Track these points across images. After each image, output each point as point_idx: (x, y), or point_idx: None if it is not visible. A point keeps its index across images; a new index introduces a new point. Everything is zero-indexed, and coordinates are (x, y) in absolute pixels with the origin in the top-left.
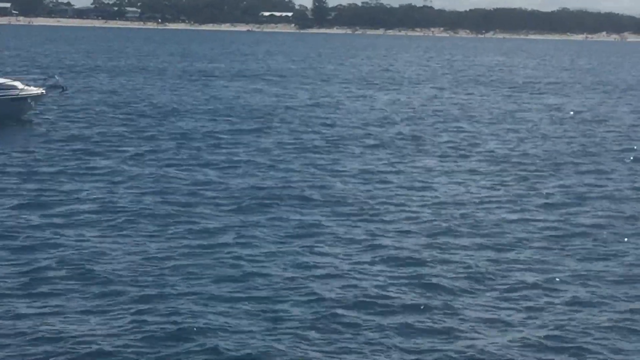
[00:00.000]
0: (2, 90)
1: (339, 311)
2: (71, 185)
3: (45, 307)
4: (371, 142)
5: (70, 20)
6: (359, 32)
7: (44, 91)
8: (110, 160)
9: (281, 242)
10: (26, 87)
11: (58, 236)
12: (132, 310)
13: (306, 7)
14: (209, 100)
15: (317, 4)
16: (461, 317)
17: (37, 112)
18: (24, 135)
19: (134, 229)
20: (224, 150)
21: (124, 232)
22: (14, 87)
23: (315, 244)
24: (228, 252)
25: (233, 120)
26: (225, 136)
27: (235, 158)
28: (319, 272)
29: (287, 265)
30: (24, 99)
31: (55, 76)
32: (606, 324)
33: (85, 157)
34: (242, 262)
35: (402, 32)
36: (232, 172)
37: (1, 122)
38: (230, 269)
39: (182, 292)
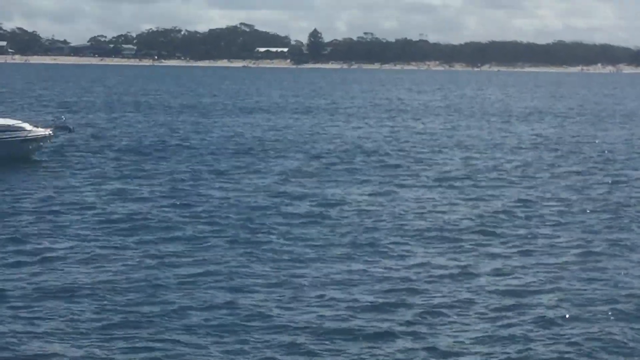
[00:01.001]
0: (11, 132)
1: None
2: (74, 220)
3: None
4: (365, 167)
5: (67, 58)
6: (355, 66)
7: (51, 132)
8: (114, 202)
9: (276, 268)
10: (34, 129)
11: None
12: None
13: (302, 43)
14: (211, 136)
15: (312, 39)
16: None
17: (45, 152)
18: (32, 175)
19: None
20: (228, 184)
21: (117, 275)
22: (23, 129)
23: (309, 264)
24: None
25: (238, 152)
26: (233, 171)
27: (239, 187)
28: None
29: (280, 288)
30: (33, 140)
31: (62, 117)
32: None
33: (90, 196)
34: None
35: (398, 66)
36: (235, 207)
37: (11, 163)
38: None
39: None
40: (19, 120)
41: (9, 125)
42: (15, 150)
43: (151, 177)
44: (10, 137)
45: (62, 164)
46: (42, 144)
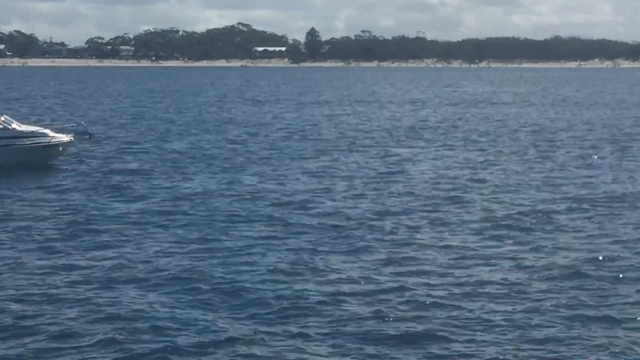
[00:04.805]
0: (34, 138)
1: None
2: (96, 227)
3: None
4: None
5: (65, 60)
6: (353, 64)
7: (72, 138)
8: (134, 205)
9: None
10: (56, 135)
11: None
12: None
13: (299, 42)
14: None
15: (310, 37)
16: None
17: (67, 158)
18: (54, 180)
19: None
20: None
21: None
22: (45, 135)
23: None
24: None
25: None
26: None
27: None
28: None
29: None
30: (55, 146)
31: (83, 123)
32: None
33: (111, 202)
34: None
35: (396, 64)
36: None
37: (33, 168)
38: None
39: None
40: (41, 126)
41: (32, 132)
42: (38, 156)
43: (178, 184)
44: (32, 143)
45: (83, 170)
46: (63, 149)
